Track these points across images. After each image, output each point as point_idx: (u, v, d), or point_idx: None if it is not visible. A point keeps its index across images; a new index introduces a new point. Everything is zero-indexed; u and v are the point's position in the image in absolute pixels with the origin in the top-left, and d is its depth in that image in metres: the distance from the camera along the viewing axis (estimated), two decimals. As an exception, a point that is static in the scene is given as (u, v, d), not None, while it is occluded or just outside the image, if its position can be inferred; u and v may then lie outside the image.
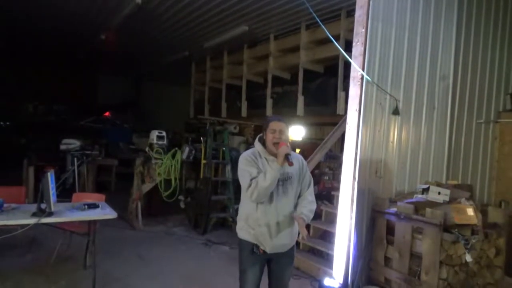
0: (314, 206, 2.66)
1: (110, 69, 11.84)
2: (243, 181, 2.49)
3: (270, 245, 2.52)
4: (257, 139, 2.67)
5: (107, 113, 11.62)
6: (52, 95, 11.02)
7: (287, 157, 2.40)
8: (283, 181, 2.54)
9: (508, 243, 4.12)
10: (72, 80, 11.65)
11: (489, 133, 5.42)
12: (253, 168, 2.48)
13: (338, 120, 5.26)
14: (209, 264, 4.79)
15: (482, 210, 4.15)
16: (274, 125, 2.54)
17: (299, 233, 2.64)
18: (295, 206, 2.64)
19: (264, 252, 2.54)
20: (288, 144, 2.57)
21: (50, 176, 3.53)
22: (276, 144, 2.50)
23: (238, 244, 2.68)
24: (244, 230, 2.61)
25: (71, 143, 6.88)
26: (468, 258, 3.68)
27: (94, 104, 12.15)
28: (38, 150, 8.02)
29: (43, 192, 3.51)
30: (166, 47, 8.55)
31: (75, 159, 6.80)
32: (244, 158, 2.57)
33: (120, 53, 9.50)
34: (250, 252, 2.55)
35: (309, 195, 2.69)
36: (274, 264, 2.65)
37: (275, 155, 2.49)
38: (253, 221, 2.53)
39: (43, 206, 3.50)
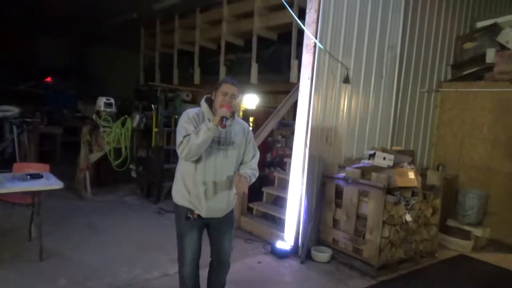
0: (256, 173, 2.60)
1: (50, 30, 10.88)
2: (178, 136, 2.38)
3: (205, 209, 2.47)
4: (204, 98, 2.56)
5: (48, 79, 10.80)
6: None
7: (222, 119, 2.30)
8: (225, 145, 2.48)
9: (443, 203, 4.49)
10: (6, 41, 10.62)
11: (430, 102, 5.74)
12: (191, 126, 2.38)
13: (291, 88, 5.29)
14: (162, 232, 4.77)
15: (422, 173, 4.46)
16: (226, 87, 2.42)
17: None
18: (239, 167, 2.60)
19: (200, 217, 2.50)
20: (235, 110, 2.51)
21: (-14, 144, 3.28)
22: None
23: (173, 208, 2.61)
24: (179, 194, 2.53)
25: (8, 110, 6.36)
26: (408, 217, 3.98)
27: (33, 68, 11.22)
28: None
29: (-22, 162, 3.26)
30: (112, 7, 7.99)
31: (14, 127, 6.33)
32: (186, 114, 2.47)
33: (60, 12, 8.75)
34: (185, 218, 2.49)
35: (254, 164, 2.62)
36: (213, 230, 2.63)
37: None
38: (190, 182, 2.46)
39: (-21, 177, 3.27)
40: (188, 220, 2.49)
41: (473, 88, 5.38)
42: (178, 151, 2.36)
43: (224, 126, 2.33)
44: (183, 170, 2.51)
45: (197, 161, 2.42)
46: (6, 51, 10.34)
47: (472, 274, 4.26)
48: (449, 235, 4.90)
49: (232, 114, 2.46)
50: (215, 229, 2.62)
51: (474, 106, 5.36)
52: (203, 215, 2.50)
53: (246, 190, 2.41)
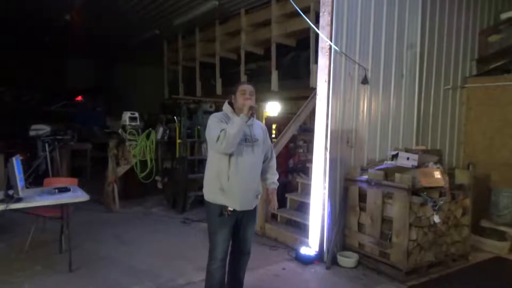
0: (277, 176, 3.06)
1: (78, 51, 11.39)
2: (213, 134, 2.62)
3: (240, 202, 2.68)
4: (226, 102, 2.86)
5: (79, 97, 11.28)
6: (19, 81, 10.62)
7: (252, 108, 2.62)
8: (252, 142, 2.75)
9: (473, 202, 4.30)
10: (39, 64, 11.19)
11: (456, 99, 5.54)
12: (223, 124, 2.67)
13: (312, 93, 5.26)
14: (188, 241, 4.83)
15: (450, 172, 4.29)
16: (244, 87, 2.78)
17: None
18: (263, 170, 2.93)
19: (233, 211, 2.68)
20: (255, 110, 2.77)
21: (16, 161, 3.45)
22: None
23: (205, 206, 2.80)
24: (213, 192, 2.72)
25: (40, 129, 6.67)
26: (436, 219, 3.83)
27: (64, 88, 11.75)
28: (7, 137, 7.77)
29: (9, 178, 3.43)
30: (135, 25, 8.28)
31: (47, 145, 6.62)
32: (214, 116, 2.77)
33: (87, 34, 9.15)
34: (219, 215, 2.68)
35: (274, 165, 3.05)
36: (241, 223, 2.82)
37: None
38: (225, 177, 2.66)
39: (10, 192, 3.42)
40: (221, 217, 2.68)
41: (501, 82, 5.15)
42: (217, 144, 2.58)
43: (254, 112, 2.67)
44: (217, 168, 2.70)
45: (230, 157, 2.66)
46: (38, 73, 10.91)
47: (509, 277, 4.03)
48: (483, 236, 4.68)
49: (254, 111, 2.74)
50: (241, 222, 2.82)
51: (503, 101, 5.12)
52: (238, 208, 2.69)
53: (276, 204, 2.95)
